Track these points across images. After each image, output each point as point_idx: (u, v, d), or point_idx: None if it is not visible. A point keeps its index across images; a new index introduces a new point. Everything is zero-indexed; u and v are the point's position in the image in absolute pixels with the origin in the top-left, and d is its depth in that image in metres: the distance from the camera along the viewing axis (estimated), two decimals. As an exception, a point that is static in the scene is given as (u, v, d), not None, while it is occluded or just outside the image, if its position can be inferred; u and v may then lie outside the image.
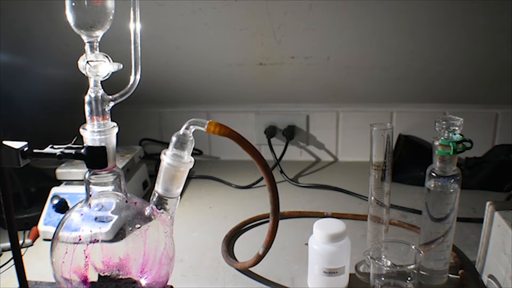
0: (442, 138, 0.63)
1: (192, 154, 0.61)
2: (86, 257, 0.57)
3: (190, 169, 0.61)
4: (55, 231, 0.59)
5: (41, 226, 0.86)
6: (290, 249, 0.82)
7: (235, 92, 1.20)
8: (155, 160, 1.19)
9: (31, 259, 0.81)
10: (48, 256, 0.59)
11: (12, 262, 0.72)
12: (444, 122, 0.63)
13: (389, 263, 0.74)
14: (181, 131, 0.60)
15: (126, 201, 0.60)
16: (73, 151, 0.54)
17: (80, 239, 0.57)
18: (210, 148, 1.28)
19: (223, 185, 1.12)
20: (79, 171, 0.90)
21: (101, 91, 0.55)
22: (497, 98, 1.12)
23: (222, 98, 1.22)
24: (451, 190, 0.65)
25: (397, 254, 0.67)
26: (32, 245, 0.86)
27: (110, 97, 0.56)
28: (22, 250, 0.82)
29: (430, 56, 1.04)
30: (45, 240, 0.86)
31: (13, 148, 0.53)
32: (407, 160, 1.10)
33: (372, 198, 0.69)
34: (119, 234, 0.58)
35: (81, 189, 0.60)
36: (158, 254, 0.60)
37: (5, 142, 0.53)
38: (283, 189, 1.07)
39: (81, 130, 0.56)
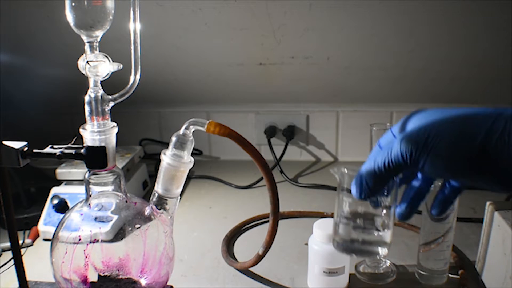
0: (442, 138, 0.63)
1: (192, 154, 0.61)
2: (86, 257, 0.57)
3: (190, 169, 0.61)
4: (55, 231, 0.59)
5: (41, 226, 0.86)
6: (290, 249, 0.82)
7: (235, 92, 1.20)
8: (155, 160, 1.19)
9: (31, 259, 0.81)
10: (48, 256, 0.59)
11: (12, 262, 0.72)
12: (444, 122, 0.63)
13: (388, 263, 0.75)
14: (181, 131, 0.60)
15: (126, 201, 0.60)
16: (73, 151, 0.54)
17: (80, 239, 0.57)
18: (210, 148, 1.28)
19: (223, 185, 1.12)
20: (79, 171, 0.90)
21: (101, 91, 0.55)
22: (497, 98, 1.12)
23: (222, 98, 1.22)
24: (451, 190, 0.65)
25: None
26: (32, 245, 0.86)
27: (110, 97, 0.56)
28: (22, 250, 0.82)
29: (430, 56, 1.04)
30: (45, 240, 0.86)
31: (13, 148, 0.53)
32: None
33: (372, 198, 0.69)
34: (119, 234, 0.58)
35: (81, 189, 0.60)
36: (158, 254, 0.60)
37: (5, 142, 0.53)
38: (283, 189, 1.07)
39: (81, 130, 0.56)
